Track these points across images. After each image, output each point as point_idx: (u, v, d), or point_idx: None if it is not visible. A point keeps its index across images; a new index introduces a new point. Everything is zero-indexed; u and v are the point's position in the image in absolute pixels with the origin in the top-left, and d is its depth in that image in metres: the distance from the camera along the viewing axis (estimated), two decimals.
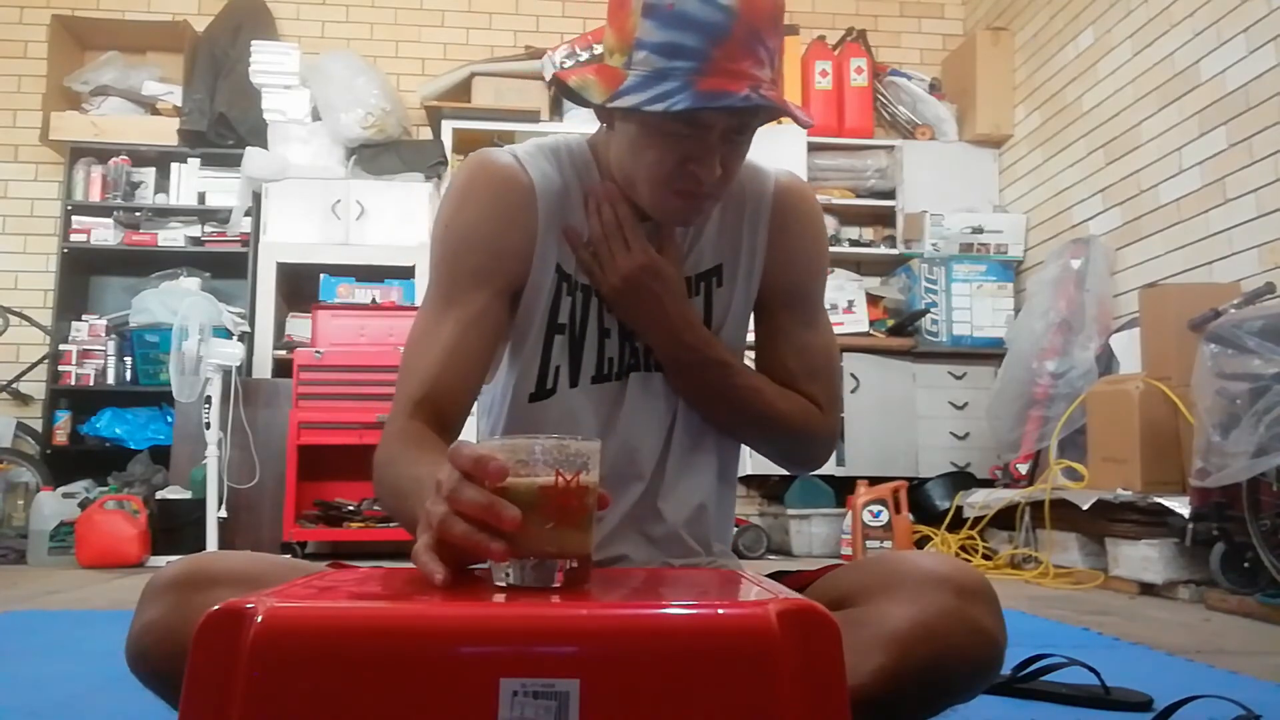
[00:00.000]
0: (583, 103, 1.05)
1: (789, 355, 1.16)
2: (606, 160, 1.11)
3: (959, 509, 3.98)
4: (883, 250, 4.92)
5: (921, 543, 3.99)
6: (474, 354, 1.05)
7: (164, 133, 4.74)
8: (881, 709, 0.86)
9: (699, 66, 0.95)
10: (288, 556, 1.04)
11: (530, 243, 1.09)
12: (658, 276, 1.08)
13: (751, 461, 4.47)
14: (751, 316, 1.19)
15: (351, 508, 4.05)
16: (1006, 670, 1.54)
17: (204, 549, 3.67)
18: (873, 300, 4.75)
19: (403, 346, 1.10)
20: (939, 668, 0.86)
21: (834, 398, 1.19)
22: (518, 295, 1.10)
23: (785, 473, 4.51)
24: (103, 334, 4.60)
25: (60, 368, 4.55)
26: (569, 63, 4.76)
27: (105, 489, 4.00)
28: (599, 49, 4.95)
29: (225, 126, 4.69)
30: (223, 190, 4.67)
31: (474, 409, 1.11)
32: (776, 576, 1.06)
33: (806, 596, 0.99)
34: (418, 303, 4.29)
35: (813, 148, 4.86)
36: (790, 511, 4.35)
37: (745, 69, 0.95)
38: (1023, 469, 4.00)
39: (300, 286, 4.59)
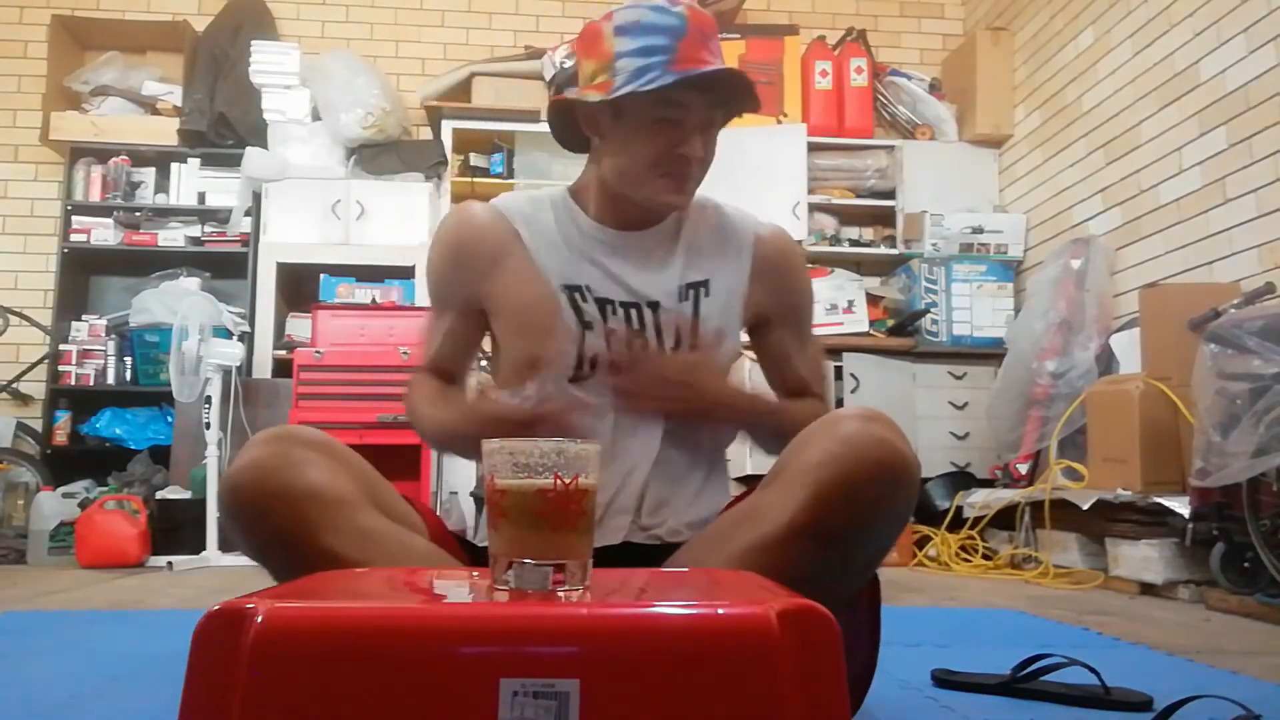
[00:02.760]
0: (583, 118, 1.28)
1: (800, 365, 1.42)
2: (585, 200, 1.34)
3: (959, 509, 3.98)
4: (883, 250, 4.92)
5: (922, 543, 3.99)
6: (457, 347, 1.38)
7: (164, 133, 4.75)
8: (817, 537, 0.99)
9: (669, 57, 1.18)
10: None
11: (481, 277, 1.32)
12: (688, 402, 1.24)
13: (751, 462, 4.47)
14: (744, 332, 1.40)
15: None
16: (1006, 670, 1.54)
17: (204, 549, 3.68)
18: (873, 300, 4.74)
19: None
20: (854, 482, 0.98)
21: (830, 387, 1.55)
22: (484, 310, 1.34)
23: None
24: (103, 334, 4.60)
25: (60, 368, 4.55)
26: (569, 63, 4.75)
27: (105, 489, 4.00)
28: None
29: (225, 126, 4.69)
30: (223, 190, 4.66)
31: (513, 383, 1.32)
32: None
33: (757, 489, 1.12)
34: (418, 302, 4.34)
35: (813, 148, 4.86)
36: None
37: (704, 57, 1.20)
38: (1023, 469, 4.00)
39: (300, 286, 4.59)
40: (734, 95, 1.23)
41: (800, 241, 4.75)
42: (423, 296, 4.26)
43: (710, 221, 1.38)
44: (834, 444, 1.00)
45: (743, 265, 1.36)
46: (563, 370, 1.26)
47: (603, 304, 1.29)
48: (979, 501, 3.87)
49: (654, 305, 1.29)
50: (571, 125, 1.31)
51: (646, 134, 1.22)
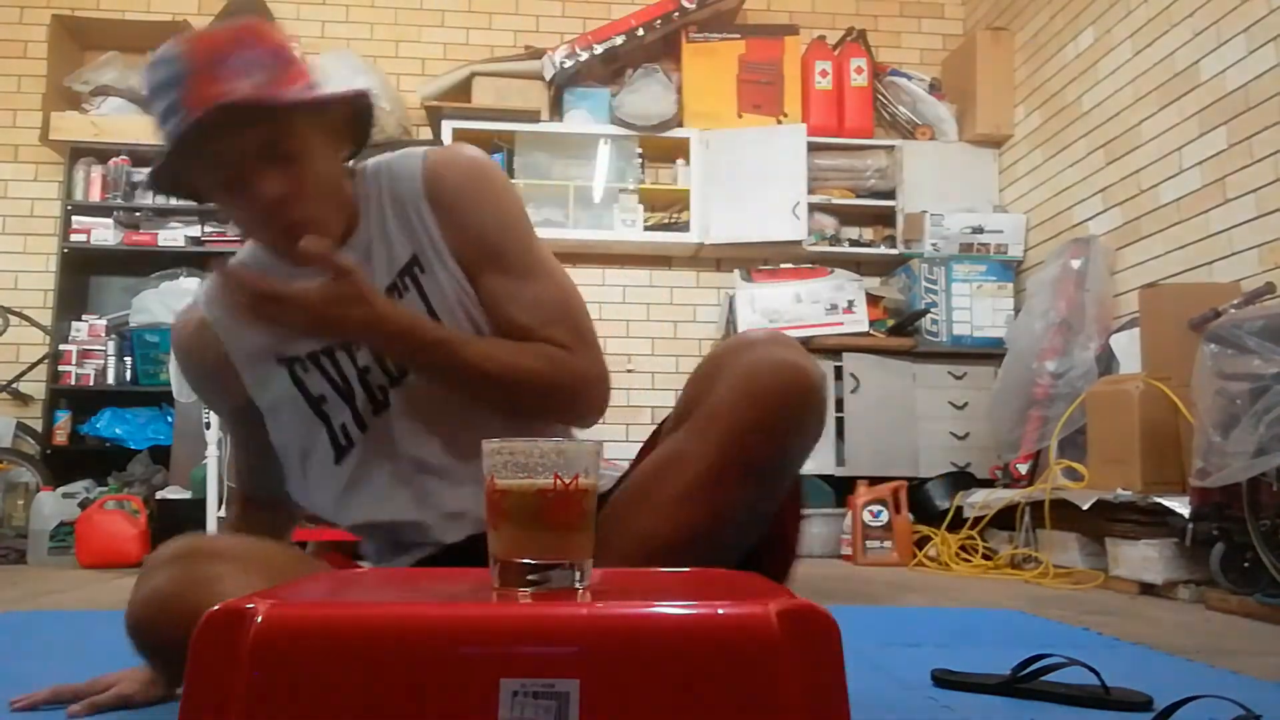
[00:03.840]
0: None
1: (516, 312, 1.15)
2: None
3: (959, 509, 3.98)
4: (883, 250, 4.92)
5: (921, 543, 3.99)
6: (256, 453, 1.26)
7: None
8: (740, 473, 0.98)
9: (178, 115, 1.06)
10: (281, 544, 1.08)
11: (222, 368, 1.22)
12: (326, 307, 1.05)
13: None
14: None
15: None
16: (1006, 670, 1.54)
17: None
18: (873, 300, 4.74)
19: None
20: (767, 413, 0.98)
21: (582, 337, 1.16)
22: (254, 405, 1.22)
23: None
24: (103, 334, 4.59)
25: (60, 368, 4.55)
26: (569, 63, 4.76)
27: (105, 489, 4.00)
28: (599, 49, 4.95)
29: None
30: None
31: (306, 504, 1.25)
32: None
33: (663, 433, 1.12)
34: None
35: (813, 148, 4.85)
36: None
37: (211, 93, 1.03)
38: (1023, 469, 3.99)
39: None
40: (247, 117, 1.05)
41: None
42: None
43: (383, 189, 1.19)
44: (740, 378, 0.99)
45: (425, 215, 1.17)
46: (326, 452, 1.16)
47: (316, 357, 1.17)
48: (979, 501, 3.87)
49: None
50: None
51: (224, 205, 1.12)
